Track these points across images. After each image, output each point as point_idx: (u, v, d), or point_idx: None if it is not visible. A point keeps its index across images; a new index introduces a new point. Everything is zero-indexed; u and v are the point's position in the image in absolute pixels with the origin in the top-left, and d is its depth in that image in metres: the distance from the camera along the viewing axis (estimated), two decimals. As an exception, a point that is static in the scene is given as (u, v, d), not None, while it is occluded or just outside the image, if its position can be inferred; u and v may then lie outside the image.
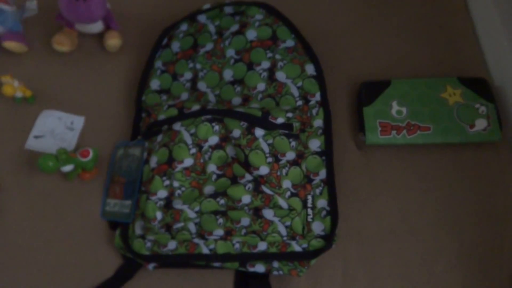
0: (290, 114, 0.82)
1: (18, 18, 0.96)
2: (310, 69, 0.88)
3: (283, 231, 0.76)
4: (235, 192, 0.76)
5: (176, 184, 0.79)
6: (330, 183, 0.80)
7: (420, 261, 0.80)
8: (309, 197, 0.79)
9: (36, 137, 0.89)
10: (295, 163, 0.80)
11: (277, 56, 0.88)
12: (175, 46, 0.92)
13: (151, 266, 0.77)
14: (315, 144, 0.83)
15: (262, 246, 0.75)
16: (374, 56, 0.97)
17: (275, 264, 0.76)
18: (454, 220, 0.82)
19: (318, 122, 0.85)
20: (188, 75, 0.90)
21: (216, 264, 0.77)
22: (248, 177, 0.78)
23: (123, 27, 0.98)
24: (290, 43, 0.90)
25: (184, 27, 0.93)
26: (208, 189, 0.79)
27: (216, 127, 0.81)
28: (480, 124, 0.85)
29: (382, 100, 0.87)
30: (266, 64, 0.88)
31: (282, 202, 0.77)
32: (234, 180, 0.79)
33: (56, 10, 0.93)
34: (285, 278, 0.78)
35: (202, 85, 0.89)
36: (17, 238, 0.81)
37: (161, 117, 0.83)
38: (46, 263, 0.80)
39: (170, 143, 0.81)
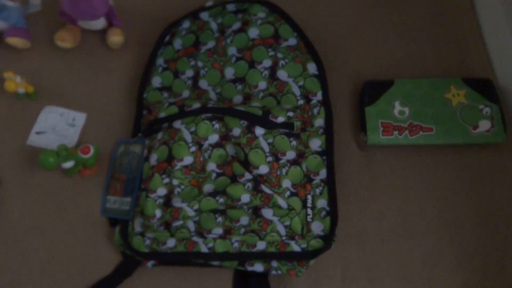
0: (291, 113, 0.81)
1: (22, 14, 0.97)
2: (312, 68, 0.87)
3: (282, 231, 0.76)
4: (235, 191, 0.76)
5: (175, 182, 0.79)
6: (330, 183, 0.80)
7: (420, 262, 0.79)
8: (309, 197, 0.79)
9: (38, 133, 0.90)
10: (295, 162, 0.80)
11: (279, 55, 0.87)
12: (177, 43, 0.92)
13: (150, 263, 0.77)
14: (315, 143, 0.82)
15: (261, 245, 0.75)
16: (377, 55, 0.96)
17: (274, 263, 0.76)
18: (455, 221, 0.82)
19: (319, 122, 0.84)
20: (189, 72, 0.90)
21: (215, 263, 0.77)
22: (248, 176, 0.77)
23: (125, 23, 0.98)
24: (292, 41, 0.89)
25: (186, 24, 0.93)
26: (208, 187, 0.79)
27: (216, 126, 0.81)
28: (484, 125, 0.84)
29: (384, 100, 0.86)
30: (267, 63, 0.87)
31: (282, 202, 0.76)
32: (234, 179, 0.78)
33: (59, 6, 0.93)
34: (284, 277, 0.78)
35: (203, 83, 0.89)
36: (17, 233, 0.82)
37: (162, 114, 0.83)
38: (46, 258, 0.80)
39: (170, 141, 0.81)
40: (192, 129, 0.80)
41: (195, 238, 0.76)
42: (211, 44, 0.91)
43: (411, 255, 0.79)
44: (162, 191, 0.79)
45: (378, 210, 0.82)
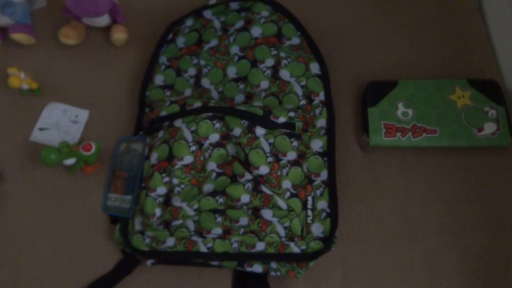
0: (292, 114, 0.81)
1: (27, 10, 0.97)
2: (314, 68, 0.86)
3: (282, 232, 0.75)
4: (234, 191, 0.76)
5: (175, 181, 0.79)
6: (331, 184, 0.79)
7: (421, 265, 0.78)
8: (310, 198, 0.78)
9: (41, 129, 0.90)
10: (296, 163, 0.79)
11: (282, 54, 0.87)
12: (180, 41, 0.92)
13: (149, 262, 0.78)
14: (317, 144, 0.82)
15: (260, 246, 0.75)
16: (382, 56, 0.95)
17: (273, 264, 0.75)
18: (458, 225, 0.81)
19: (321, 122, 0.83)
20: (192, 71, 0.90)
21: (214, 263, 0.76)
22: (248, 176, 0.77)
23: (130, 21, 0.98)
24: (295, 40, 0.88)
25: (189, 22, 0.93)
26: (208, 187, 0.79)
27: (217, 125, 0.81)
28: (489, 128, 0.83)
29: (387, 101, 0.85)
30: (270, 62, 0.87)
31: (281, 203, 0.76)
32: (234, 179, 0.78)
33: (63, 3, 0.92)
34: (283, 278, 0.78)
35: (205, 82, 0.88)
36: (19, 229, 0.82)
37: (163, 113, 0.83)
38: (47, 254, 0.80)
39: (170, 139, 0.81)
40: (193, 128, 0.80)
41: (194, 238, 0.76)
42: (213, 42, 0.90)
43: (412, 258, 0.79)
44: (162, 190, 0.79)
45: (379, 212, 0.82)
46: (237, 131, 0.79)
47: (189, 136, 0.80)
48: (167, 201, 0.78)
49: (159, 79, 0.90)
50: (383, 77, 0.90)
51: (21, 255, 0.80)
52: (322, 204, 0.78)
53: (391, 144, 0.83)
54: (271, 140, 0.79)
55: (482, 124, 0.83)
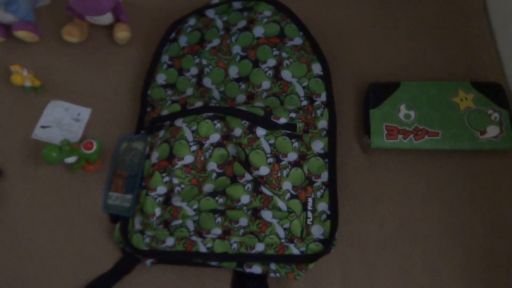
0: (293, 114, 0.80)
1: (31, 7, 0.97)
2: (317, 68, 0.86)
3: (281, 233, 0.75)
4: (234, 192, 0.76)
5: (175, 181, 0.79)
6: (331, 186, 0.79)
7: (422, 268, 0.78)
8: (310, 199, 0.78)
9: (43, 127, 0.90)
10: (296, 164, 0.79)
11: (284, 54, 0.86)
12: (182, 40, 0.92)
13: (149, 261, 0.78)
14: (318, 145, 0.81)
15: (259, 247, 0.75)
16: (384, 57, 0.94)
17: (273, 266, 0.75)
18: (459, 229, 0.80)
19: (323, 123, 0.83)
20: (194, 70, 0.89)
21: (214, 263, 0.76)
22: (248, 177, 0.77)
23: (133, 19, 0.98)
24: (297, 41, 0.88)
25: (192, 21, 0.92)
26: (208, 187, 0.78)
27: (218, 125, 0.80)
28: (492, 131, 0.82)
29: (390, 103, 0.85)
30: (272, 62, 0.86)
31: (281, 204, 0.76)
32: (234, 179, 0.78)
33: (67, 1, 0.93)
34: (283, 280, 0.77)
35: (207, 81, 0.88)
36: (19, 226, 0.82)
37: (164, 112, 0.83)
38: (47, 252, 0.81)
39: (171, 139, 0.80)
40: (194, 128, 0.80)
41: (194, 238, 0.76)
42: (216, 42, 0.90)
43: (412, 261, 0.78)
44: (162, 190, 0.79)
45: (380, 214, 0.81)
46: (237, 131, 0.79)
47: (189, 136, 0.80)
48: (167, 201, 0.78)
49: (161, 78, 0.90)
50: (385, 79, 0.90)
51: (21, 252, 0.81)
52: (323, 205, 0.78)
53: (393, 146, 0.82)
54: (272, 141, 0.79)
55: (485, 127, 0.82)
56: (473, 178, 0.83)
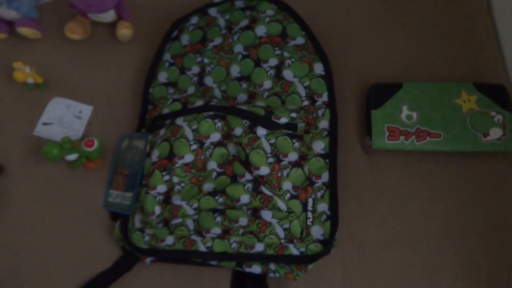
0: (294, 114, 0.80)
1: (34, 4, 0.97)
2: (318, 68, 0.86)
3: (281, 234, 0.75)
4: (234, 191, 0.76)
5: (175, 179, 0.79)
6: (332, 186, 0.78)
7: (422, 271, 0.77)
8: (310, 200, 0.77)
9: (44, 124, 0.90)
10: (297, 164, 0.78)
11: (285, 54, 0.86)
12: (184, 39, 0.91)
13: (148, 260, 0.78)
14: (319, 146, 0.81)
15: (259, 247, 0.75)
16: (387, 57, 0.94)
17: (272, 266, 0.75)
18: (461, 231, 0.80)
19: (324, 124, 0.83)
20: (195, 69, 0.89)
21: (213, 262, 0.76)
22: (248, 176, 0.77)
23: (135, 17, 0.98)
24: (300, 40, 0.88)
25: (194, 20, 0.92)
26: (208, 186, 0.78)
27: (219, 124, 0.80)
28: (495, 133, 0.82)
29: (392, 104, 0.84)
30: (273, 62, 0.86)
31: (281, 204, 0.75)
32: (234, 179, 0.78)
33: (70, -3, 0.93)
34: (282, 280, 0.77)
35: (208, 80, 0.88)
36: (20, 222, 0.83)
37: (165, 110, 0.83)
38: (47, 248, 0.81)
39: (171, 138, 0.80)
40: (194, 126, 0.80)
41: (193, 237, 0.76)
42: (218, 40, 0.90)
43: (413, 263, 0.78)
44: (162, 188, 0.79)
45: (381, 216, 0.81)
46: (238, 130, 0.79)
47: (190, 135, 0.80)
48: (167, 199, 0.78)
49: (162, 76, 0.90)
50: (388, 79, 0.89)
51: (21, 249, 0.81)
52: (323, 206, 0.77)
53: (394, 147, 0.82)
54: (272, 141, 0.79)
55: (487, 129, 0.82)
56: (475, 180, 0.83)
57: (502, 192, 0.82)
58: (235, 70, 0.88)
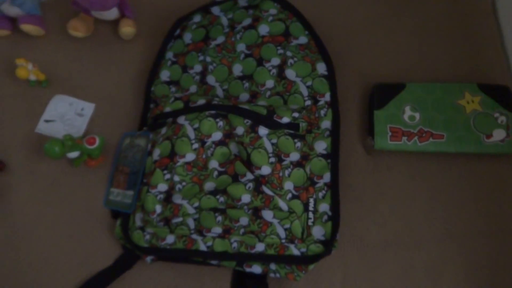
0: (296, 114, 0.80)
1: (37, 1, 0.97)
2: (321, 68, 0.85)
3: (282, 234, 0.75)
4: (235, 191, 0.75)
5: (176, 178, 0.78)
6: (333, 187, 0.78)
7: (424, 272, 0.77)
8: (311, 200, 0.77)
9: (46, 121, 0.90)
10: (298, 164, 0.78)
11: (288, 53, 0.86)
12: (187, 37, 0.91)
13: (149, 258, 0.77)
14: (321, 146, 0.80)
15: (259, 247, 0.74)
16: (389, 57, 0.93)
17: (272, 266, 0.75)
18: (463, 233, 0.79)
19: (326, 124, 0.82)
20: (198, 67, 0.89)
21: (214, 262, 0.76)
22: (249, 176, 0.77)
23: (138, 15, 0.98)
24: (302, 40, 0.87)
25: (197, 18, 0.92)
26: (209, 185, 0.78)
27: (220, 123, 0.80)
28: (498, 134, 0.81)
29: (394, 104, 0.84)
30: (276, 61, 0.86)
31: (282, 204, 0.75)
32: (235, 178, 0.78)
33: (73, -5, 0.93)
34: (283, 280, 0.77)
35: (211, 79, 0.88)
36: (20, 220, 0.83)
37: (167, 109, 0.83)
38: (47, 246, 0.81)
39: (173, 136, 0.80)
40: (196, 125, 0.80)
41: (194, 236, 0.76)
42: (220, 39, 0.89)
43: (414, 264, 0.78)
44: (163, 187, 0.78)
45: (382, 216, 0.81)
46: (240, 130, 0.79)
47: (191, 134, 0.80)
48: (167, 198, 0.78)
49: (164, 75, 0.90)
50: (391, 79, 0.89)
51: (22, 246, 0.81)
52: (324, 206, 0.77)
53: (397, 148, 0.82)
54: (274, 140, 0.78)
55: (491, 130, 0.81)
56: (478, 182, 0.83)
57: (504, 194, 0.82)
58: (237, 69, 0.87)
